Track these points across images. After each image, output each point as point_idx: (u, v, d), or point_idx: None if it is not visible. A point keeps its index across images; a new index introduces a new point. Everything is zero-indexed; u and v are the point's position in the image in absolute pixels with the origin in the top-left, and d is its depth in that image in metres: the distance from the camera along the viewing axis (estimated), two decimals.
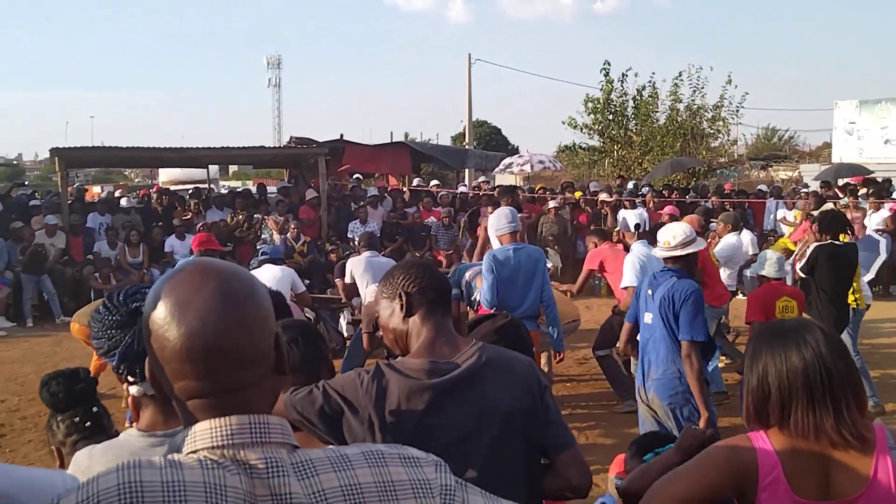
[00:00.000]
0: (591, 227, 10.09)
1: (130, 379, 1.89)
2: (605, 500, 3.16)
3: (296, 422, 2.11)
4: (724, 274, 8.79)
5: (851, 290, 7.34)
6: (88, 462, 1.87)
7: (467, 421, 2.14)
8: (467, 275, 7.33)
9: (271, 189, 18.46)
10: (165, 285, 1.26)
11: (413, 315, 2.28)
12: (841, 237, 7.20)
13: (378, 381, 2.13)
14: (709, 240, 9.78)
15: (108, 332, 1.88)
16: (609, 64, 23.67)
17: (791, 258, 8.96)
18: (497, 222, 6.26)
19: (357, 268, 8.08)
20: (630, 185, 17.49)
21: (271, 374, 1.29)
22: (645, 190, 15.93)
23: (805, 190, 17.20)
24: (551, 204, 14.54)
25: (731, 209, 14.62)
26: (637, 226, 6.81)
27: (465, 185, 19.47)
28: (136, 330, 1.82)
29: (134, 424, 1.96)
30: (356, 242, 9.71)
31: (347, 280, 8.27)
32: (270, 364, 1.29)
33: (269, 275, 7.48)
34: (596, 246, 8.31)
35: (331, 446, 1.33)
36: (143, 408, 1.95)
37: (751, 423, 2.12)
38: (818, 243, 7.15)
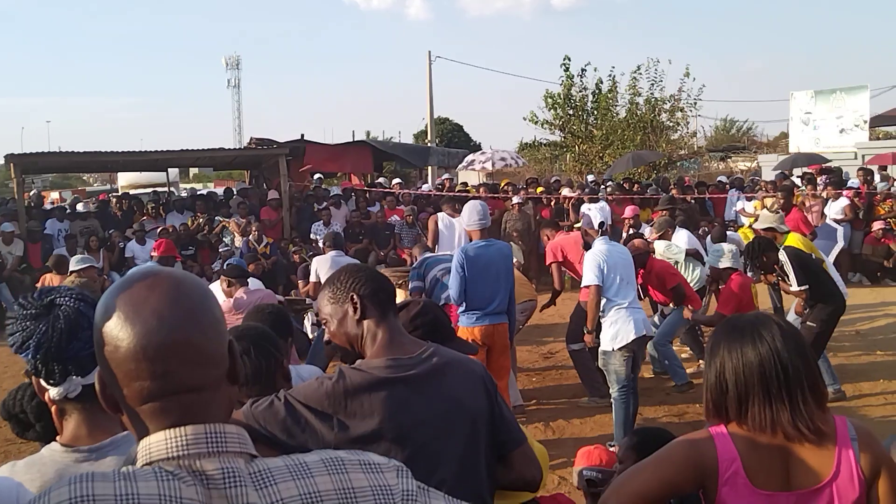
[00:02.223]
0: (543, 220, 10.05)
1: (50, 382, 1.79)
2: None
3: (258, 436, 2.05)
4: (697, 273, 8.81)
5: None
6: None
7: (437, 418, 2.13)
8: (436, 272, 7.29)
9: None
10: (116, 291, 1.24)
11: (367, 318, 2.25)
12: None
13: (343, 384, 2.09)
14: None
15: (23, 324, 1.76)
16: (569, 59, 23.78)
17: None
18: (468, 218, 6.27)
19: (322, 267, 8.14)
20: (589, 178, 17.59)
21: (226, 380, 1.27)
22: (610, 185, 16.02)
23: (763, 180, 17.42)
24: (515, 200, 14.58)
25: (692, 202, 14.83)
26: (601, 224, 6.86)
27: (429, 184, 19.45)
28: (51, 319, 1.74)
29: (57, 437, 1.86)
30: (321, 243, 9.67)
31: (313, 279, 8.32)
32: (225, 368, 1.27)
33: None
34: (549, 239, 8.38)
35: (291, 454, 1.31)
36: (67, 417, 1.85)
37: (710, 417, 2.14)
38: (783, 250, 7.04)
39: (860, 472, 2.00)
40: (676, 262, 8.67)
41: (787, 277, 6.90)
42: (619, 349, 6.15)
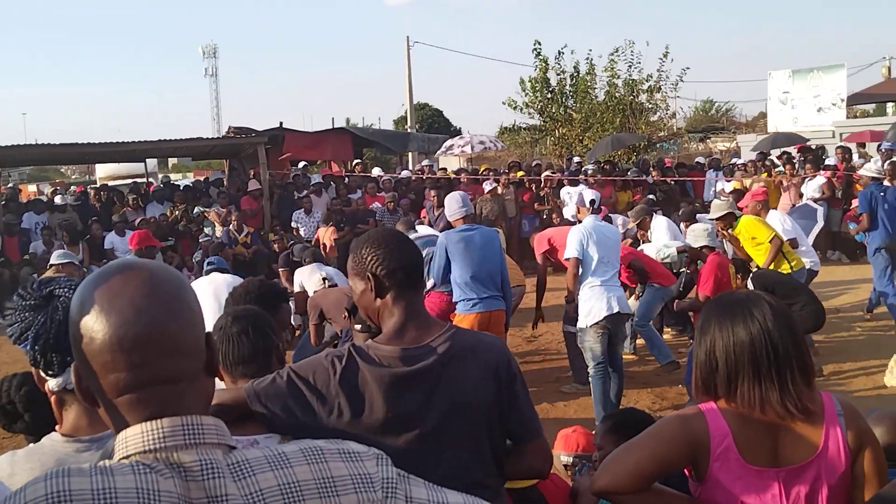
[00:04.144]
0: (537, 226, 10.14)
1: (49, 373, 1.79)
2: None
3: (258, 414, 2.04)
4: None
5: (784, 256, 7.52)
6: (10, 469, 1.77)
7: (438, 410, 2.11)
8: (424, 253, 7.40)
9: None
10: (93, 283, 1.23)
11: (383, 296, 2.22)
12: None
13: (349, 370, 2.08)
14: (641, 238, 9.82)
15: (21, 315, 1.76)
16: (539, 43, 23.68)
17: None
18: (449, 209, 6.38)
19: (307, 278, 8.35)
20: (575, 159, 17.58)
21: (203, 372, 1.27)
22: (591, 167, 15.99)
23: (740, 162, 17.47)
24: (486, 186, 14.52)
25: (672, 183, 14.91)
26: (592, 202, 6.85)
27: (409, 170, 19.44)
28: (50, 310, 1.74)
29: (57, 428, 1.86)
30: (301, 258, 9.65)
31: (297, 289, 8.51)
32: (202, 360, 1.26)
33: (220, 281, 7.31)
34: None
35: (268, 441, 1.31)
36: (66, 407, 1.84)
37: (699, 394, 2.15)
38: (754, 276, 6.99)
39: (846, 446, 2.03)
40: (671, 263, 8.66)
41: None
42: (592, 326, 6.21)
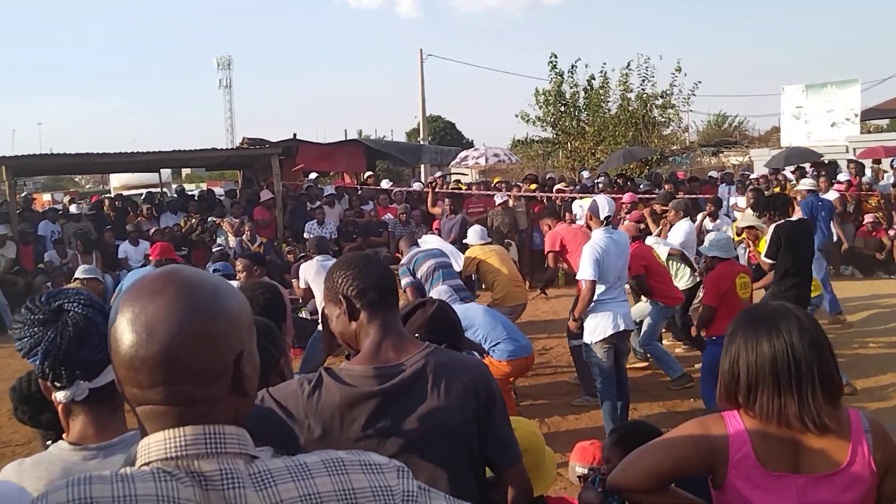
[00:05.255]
0: (545, 209, 10.09)
1: (57, 384, 1.77)
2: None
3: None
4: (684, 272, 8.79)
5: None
6: (17, 478, 1.76)
7: (410, 431, 2.10)
8: (427, 268, 7.44)
9: (218, 191, 18.34)
10: (126, 293, 1.24)
11: (356, 318, 2.21)
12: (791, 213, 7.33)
13: (319, 391, 2.07)
14: (660, 229, 9.89)
15: (31, 329, 1.75)
16: (556, 56, 23.72)
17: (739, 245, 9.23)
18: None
19: (309, 273, 8.15)
20: (584, 174, 17.56)
21: (228, 392, 1.23)
22: (601, 180, 15.97)
23: (753, 176, 17.42)
24: (498, 200, 14.50)
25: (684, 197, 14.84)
26: (607, 217, 6.62)
27: (420, 183, 19.48)
28: (59, 325, 1.73)
29: (64, 436, 1.85)
30: (307, 248, 9.70)
31: (302, 285, 8.37)
32: (227, 382, 1.23)
33: None
34: (550, 228, 8.41)
35: (261, 454, 1.30)
36: (73, 417, 1.83)
37: (722, 402, 2.17)
38: (774, 224, 7.14)
39: (873, 463, 2.03)
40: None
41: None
42: (598, 342, 6.19)
